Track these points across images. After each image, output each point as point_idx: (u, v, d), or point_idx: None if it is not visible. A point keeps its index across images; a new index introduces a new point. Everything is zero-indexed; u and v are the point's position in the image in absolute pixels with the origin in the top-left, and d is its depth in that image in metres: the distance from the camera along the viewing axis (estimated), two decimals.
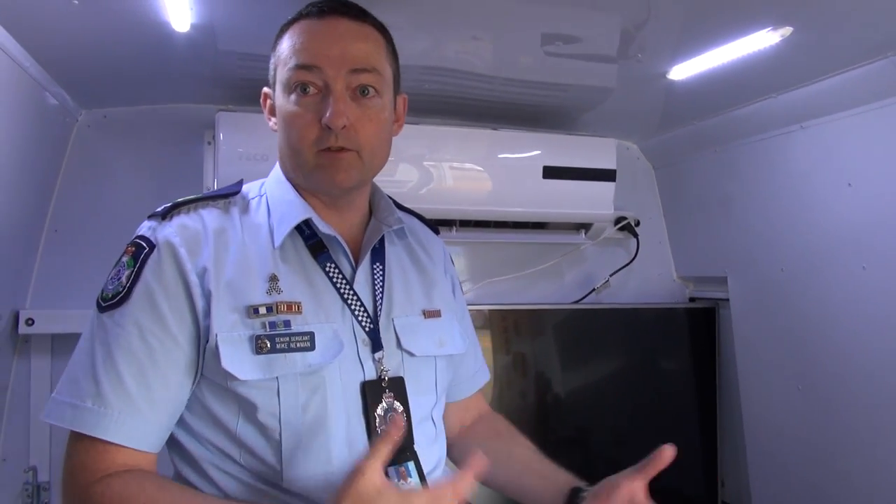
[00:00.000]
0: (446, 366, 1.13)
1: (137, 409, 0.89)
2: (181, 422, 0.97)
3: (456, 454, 1.19)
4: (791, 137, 1.78)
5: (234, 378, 0.91)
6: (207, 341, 0.92)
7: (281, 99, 0.99)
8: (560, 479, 1.09)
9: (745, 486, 2.16)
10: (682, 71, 1.64)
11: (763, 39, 1.40)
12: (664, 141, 2.29)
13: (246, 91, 1.88)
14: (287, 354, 0.93)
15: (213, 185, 1.82)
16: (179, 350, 0.92)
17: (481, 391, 1.32)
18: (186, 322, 0.92)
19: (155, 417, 0.91)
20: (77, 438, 0.89)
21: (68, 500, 0.90)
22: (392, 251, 1.12)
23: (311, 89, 0.96)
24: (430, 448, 1.06)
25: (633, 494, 0.96)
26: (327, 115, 0.94)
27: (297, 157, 0.99)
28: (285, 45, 0.99)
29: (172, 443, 0.98)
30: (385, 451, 0.80)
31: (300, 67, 0.96)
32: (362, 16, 1.01)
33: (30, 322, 1.77)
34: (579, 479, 1.07)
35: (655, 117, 2.13)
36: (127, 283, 0.92)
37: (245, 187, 1.07)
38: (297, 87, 0.96)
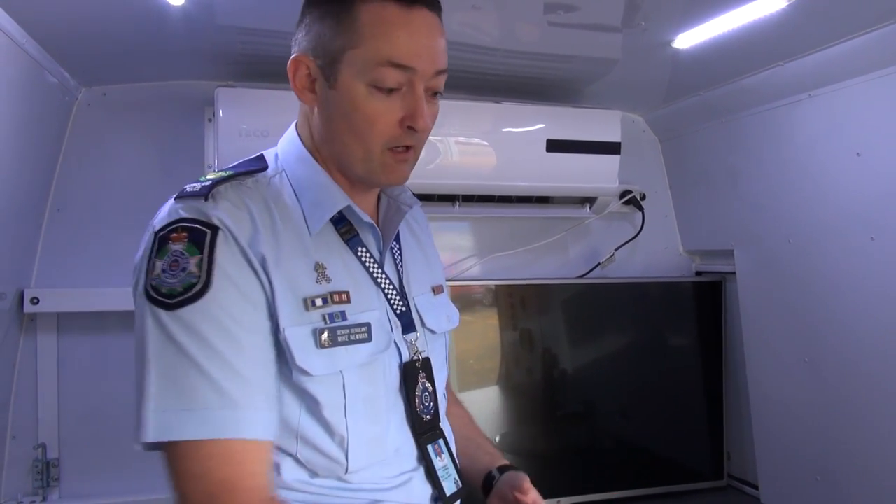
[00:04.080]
0: (447, 339, 1.15)
1: (262, 399, 0.85)
2: None
3: None
4: (799, 106, 1.75)
5: (305, 373, 0.87)
6: (277, 332, 0.88)
7: (356, 90, 0.91)
8: (481, 461, 1.14)
9: (751, 458, 2.16)
10: (688, 39, 1.61)
11: (771, 4, 1.37)
12: (670, 113, 2.26)
13: (246, 66, 1.86)
14: (348, 347, 0.91)
15: (215, 162, 1.80)
16: (270, 332, 0.88)
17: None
18: (265, 304, 0.87)
19: (274, 403, 0.87)
20: (204, 452, 0.81)
21: None
22: (401, 228, 1.10)
23: (396, 88, 0.91)
24: (446, 421, 1.08)
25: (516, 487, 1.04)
26: (416, 119, 0.92)
27: (366, 153, 0.94)
28: (367, 30, 0.90)
29: None
30: None
31: (395, 66, 0.89)
32: (437, 7, 0.94)
33: (35, 301, 1.78)
34: (506, 458, 1.17)
35: (661, 88, 2.10)
36: (200, 271, 0.84)
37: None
38: (386, 86, 0.90)
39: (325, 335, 0.89)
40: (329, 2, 0.92)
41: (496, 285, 2.14)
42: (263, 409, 0.84)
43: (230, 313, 0.84)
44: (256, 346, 0.85)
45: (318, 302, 0.90)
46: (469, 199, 2.09)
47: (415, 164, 1.00)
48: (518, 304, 2.17)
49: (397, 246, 1.06)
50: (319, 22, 0.93)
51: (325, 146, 0.99)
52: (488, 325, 2.13)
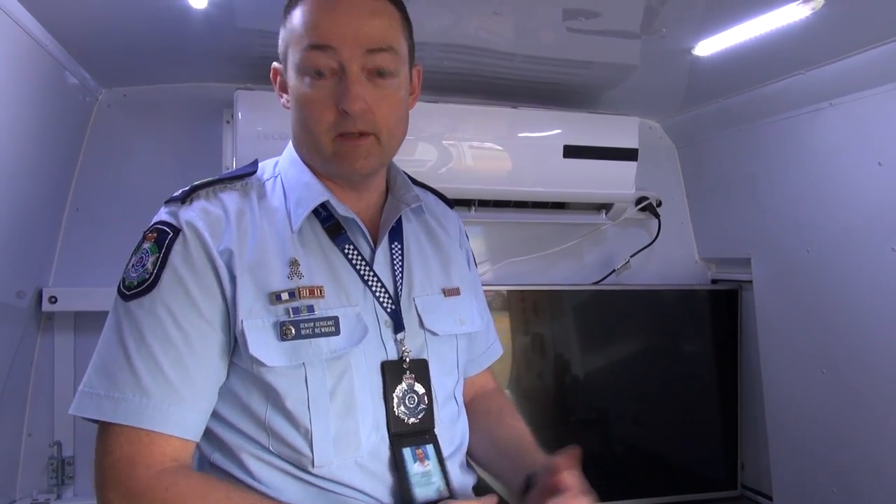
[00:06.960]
0: (466, 344, 1.13)
1: (180, 397, 0.88)
2: None
3: None
4: (820, 115, 1.73)
5: (261, 364, 0.90)
6: (234, 326, 0.91)
7: (294, 80, 0.95)
8: (525, 463, 1.04)
9: (766, 469, 2.14)
10: (709, 46, 1.60)
11: (793, 13, 1.36)
12: (688, 119, 2.25)
13: (265, 69, 1.83)
14: (312, 340, 0.92)
15: (233, 164, 1.82)
16: (214, 333, 0.91)
17: (489, 368, 1.28)
18: (218, 305, 0.91)
19: (197, 404, 0.90)
20: (115, 432, 0.87)
21: (120, 496, 0.85)
22: (409, 229, 1.10)
23: (326, 72, 0.92)
24: (453, 427, 1.06)
25: (557, 485, 0.92)
26: (345, 100, 0.91)
27: (315, 143, 0.96)
28: (296, 20, 0.95)
29: None
30: None
31: (313, 48, 0.92)
32: None
33: (53, 300, 1.79)
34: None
35: (679, 95, 2.09)
36: (153, 269, 0.91)
37: (259, 167, 1.06)
38: (312, 69, 0.93)
39: (288, 328, 0.91)
40: (286, 7, 0.98)
41: (510, 291, 2.14)
42: (182, 407, 0.88)
43: (170, 311, 0.89)
44: (191, 346, 0.89)
45: (285, 296, 0.93)
46: (485, 203, 2.09)
47: (383, 153, 0.99)
48: (531, 309, 2.16)
49: (398, 245, 1.06)
50: (281, 28, 0.99)
51: (298, 146, 1.03)
52: (501, 331, 2.12)
